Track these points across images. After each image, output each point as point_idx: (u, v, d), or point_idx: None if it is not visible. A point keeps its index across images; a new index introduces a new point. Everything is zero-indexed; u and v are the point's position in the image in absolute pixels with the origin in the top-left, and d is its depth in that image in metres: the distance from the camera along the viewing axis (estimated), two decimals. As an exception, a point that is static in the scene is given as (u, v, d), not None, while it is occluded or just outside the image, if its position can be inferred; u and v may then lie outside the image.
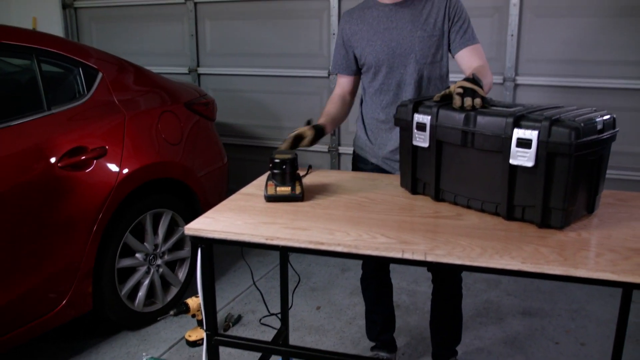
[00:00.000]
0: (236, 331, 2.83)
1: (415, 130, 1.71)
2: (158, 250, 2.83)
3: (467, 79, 1.65)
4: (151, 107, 2.84)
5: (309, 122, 2.05)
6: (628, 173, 3.45)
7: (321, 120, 2.08)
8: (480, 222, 1.54)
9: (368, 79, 2.15)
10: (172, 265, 2.98)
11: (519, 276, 1.29)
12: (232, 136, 4.41)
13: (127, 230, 2.64)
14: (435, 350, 2.42)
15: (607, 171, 1.59)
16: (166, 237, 2.87)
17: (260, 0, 4.21)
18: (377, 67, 2.08)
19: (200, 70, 4.51)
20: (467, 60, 2.01)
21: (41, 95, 2.41)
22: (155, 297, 2.85)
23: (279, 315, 2.28)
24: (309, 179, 1.96)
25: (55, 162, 2.33)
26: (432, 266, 1.35)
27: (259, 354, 2.14)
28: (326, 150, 4.30)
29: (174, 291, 2.96)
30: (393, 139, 2.13)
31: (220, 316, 2.90)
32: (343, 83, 2.22)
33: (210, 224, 1.53)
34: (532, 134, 1.42)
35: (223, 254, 3.47)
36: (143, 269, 2.77)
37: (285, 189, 1.73)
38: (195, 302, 2.61)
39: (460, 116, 1.58)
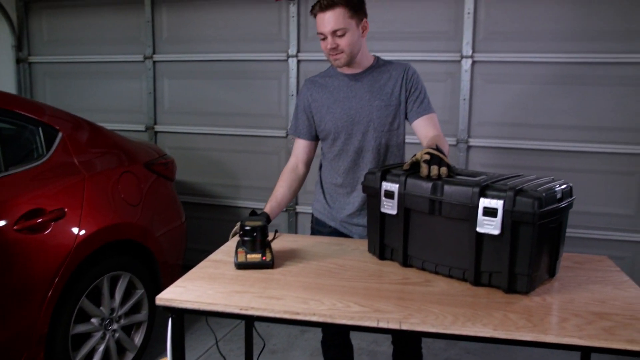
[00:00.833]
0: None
1: (384, 198, 1.75)
2: (114, 315, 2.73)
3: (431, 148, 1.72)
4: (111, 168, 2.81)
5: (253, 213, 2.06)
6: (573, 230, 3.61)
7: (267, 207, 2.13)
8: (449, 288, 1.58)
9: (327, 145, 2.21)
10: (128, 330, 2.87)
11: (490, 342, 1.32)
12: (190, 194, 4.38)
13: (84, 295, 2.55)
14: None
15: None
16: (123, 301, 2.79)
17: (220, 61, 4.28)
18: (336, 133, 2.14)
19: (158, 128, 4.50)
20: (423, 129, 2.09)
21: (-2, 155, 2.36)
22: (111, 364, 2.74)
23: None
24: (277, 244, 1.96)
25: (11, 224, 2.26)
26: (405, 334, 1.36)
27: None
28: (284, 209, 4.31)
29: (129, 357, 2.85)
30: (351, 203, 2.18)
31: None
32: (300, 150, 2.24)
33: (181, 293, 1.51)
34: (497, 203, 1.49)
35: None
36: (98, 334, 2.66)
37: (255, 256, 1.73)
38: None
39: (428, 185, 1.64)
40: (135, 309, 2.88)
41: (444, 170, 1.65)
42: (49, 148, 2.58)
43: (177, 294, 1.50)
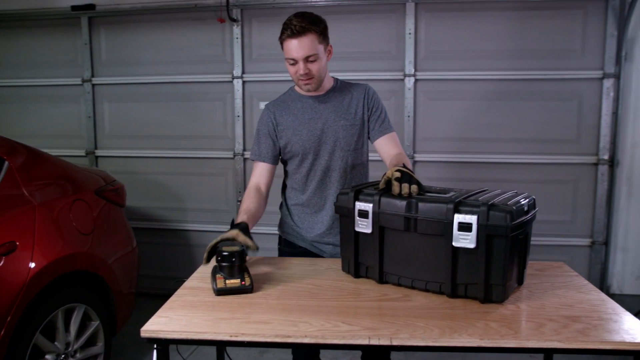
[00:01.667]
0: None
1: (358, 217, 1.80)
2: (70, 349, 2.62)
3: (399, 167, 1.79)
4: (61, 196, 2.70)
5: (232, 222, 2.04)
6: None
7: (241, 218, 2.07)
8: (428, 302, 1.64)
9: (294, 166, 2.22)
10: (84, 365, 2.76)
11: (478, 352, 1.39)
12: (136, 219, 4.26)
13: (37, 331, 2.43)
14: None
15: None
16: (78, 334, 2.67)
17: (163, 83, 4.22)
18: (304, 154, 2.16)
19: (98, 152, 4.38)
20: (385, 148, 2.16)
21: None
22: (67, 402, 2.61)
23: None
24: (250, 267, 1.95)
25: (-41, 262, 2.13)
26: (399, 350, 1.40)
27: None
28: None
29: (86, 393, 2.73)
30: (320, 222, 2.21)
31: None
32: (261, 173, 2.23)
33: (166, 324, 1.48)
34: (472, 218, 1.57)
35: (132, 344, 3.29)
36: (54, 371, 2.54)
37: (234, 282, 1.72)
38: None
39: (402, 203, 1.70)
40: (91, 341, 2.77)
41: (414, 188, 1.72)
42: (-5, 179, 2.45)
43: (163, 325, 1.48)
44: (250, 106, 4.17)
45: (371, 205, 1.76)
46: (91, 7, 4.17)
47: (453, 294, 1.65)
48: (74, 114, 4.38)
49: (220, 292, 1.70)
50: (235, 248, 1.76)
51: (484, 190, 1.77)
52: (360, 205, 1.79)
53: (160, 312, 1.56)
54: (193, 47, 4.16)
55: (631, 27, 3.59)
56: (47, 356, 2.52)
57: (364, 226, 1.79)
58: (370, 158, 2.30)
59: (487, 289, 1.60)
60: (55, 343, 2.55)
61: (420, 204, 1.67)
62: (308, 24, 2.00)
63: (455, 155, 3.92)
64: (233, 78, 4.12)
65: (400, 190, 1.72)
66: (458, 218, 1.59)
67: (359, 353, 2.53)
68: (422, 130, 3.93)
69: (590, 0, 3.67)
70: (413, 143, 3.92)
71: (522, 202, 1.64)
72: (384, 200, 1.74)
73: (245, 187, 4.16)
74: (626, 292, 3.72)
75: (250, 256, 2.12)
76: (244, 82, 4.12)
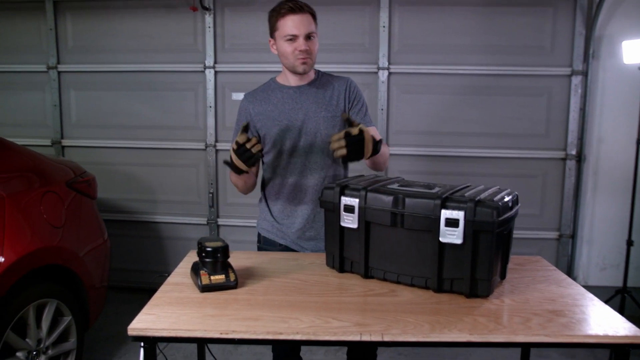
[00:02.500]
0: None
1: (343, 212, 1.79)
2: (41, 346, 2.55)
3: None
4: (32, 188, 2.61)
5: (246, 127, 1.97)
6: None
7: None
8: (415, 297, 1.65)
9: (272, 158, 2.19)
10: (56, 360, 2.69)
11: (468, 347, 1.41)
12: (104, 211, 4.15)
13: (8, 328, 2.35)
14: None
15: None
16: (50, 330, 2.60)
17: (132, 72, 4.12)
18: (283, 145, 2.14)
19: (65, 142, 4.25)
20: None
21: None
22: (38, 400, 2.54)
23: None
24: (232, 263, 1.93)
25: None
26: (390, 345, 1.41)
27: None
28: (205, 222, 4.24)
29: (59, 388, 2.67)
30: (300, 215, 2.18)
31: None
32: None
33: (154, 321, 1.45)
34: (459, 214, 1.59)
35: (111, 339, 3.23)
36: (25, 369, 2.47)
37: (219, 278, 1.70)
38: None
39: (389, 198, 1.70)
40: (63, 337, 2.70)
41: (342, 151, 1.79)
42: (-39, 170, 2.36)
43: (150, 323, 1.44)
44: (222, 97, 4.11)
45: (357, 200, 1.76)
46: (57, -9, 4.04)
47: (439, 289, 1.67)
48: (39, 102, 4.24)
49: (205, 288, 1.67)
50: (219, 243, 1.73)
51: (468, 186, 1.79)
52: (346, 200, 1.79)
53: (146, 309, 1.53)
54: (164, 35, 4.07)
55: (599, 26, 3.68)
56: (18, 353, 2.45)
57: (349, 221, 1.79)
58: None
59: (473, 284, 1.62)
60: (27, 340, 2.48)
61: (407, 200, 1.67)
62: (306, 4, 2.02)
63: (428, 149, 3.95)
64: (205, 68, 4.05)
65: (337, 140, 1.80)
66: (445, 214, 1.60)
67: (335, 348, 2.54)
68: (395, 123, 3.96)
69: (560, -1, 3.74)
70: (386, 136, 3.94)
71: (507, 198, 1.66)
72: (370, 195, 1.74)
73: (217, 179, 4.15)
74: (591, 284, 3.84)
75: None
76: (216, 72, 4.06)
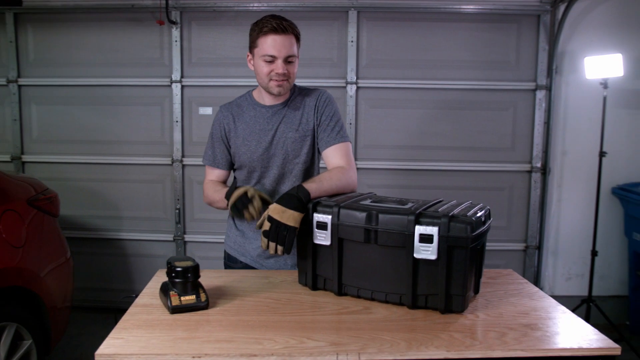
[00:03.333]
0: None
1: (316, 230, 1.77)
2: (0, 373, 2.44)
3: (283, 197, 1.76)
4: (-10, 207, 2.52)
5: (234, 183, 1.98)
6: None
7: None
8: (390, 314, 1.63)
9: (242, 177, 2.14)
10: (15, 387, 2.57)
11: (445, 365, 1.39)
12: (67, 229, 4.04)
13: (-35, 355, 2.25)
14: None
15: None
16: (9, 354, 2.49)
17: (97, 86, 4.04)
18: (251, 166, 2.09)
19: (25, 158, 4.12)
20: (330, 160, 2.05)
21: None
22: None
23: None
24: (202, 282, 1.89)
25: None
26: (366, 366, 1.38)
27: None
28: (171, 239, 4.15)
29: (18, 416, 2.55)
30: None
31: None
32: (214, 177, 2.16)
33: (123, 346, 1.39)
34: (432, 230, 1.58)
35: None
36: (-19, 397, 2.35)
37: (189, 298, 1.64)
38: None
39: (362, 215, 1.68)
40: (23, 362, 2.59)
41: (280, 249, 1.71)
42: None
43: (119, 347, 1.38)
44: (189, 111, 4.06)
45: (330, 217, 1.74)
46: (17, 2, 3.92)
47: (414, 305, 1.65)
48: (-3, 116, 4.11)
49: (175, 309, 1.62)
50: (189, 263, 1.68)
51: (441, 201, 1.79)
52: (318, 217, 1.76)
53: (114, 333, 1.47)
54: (129, 49, 4.00)
55: (561, 42, 3.77)
56: (-26, 380, 2.34)
57: (322, 238, 1.76)
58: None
59: (448, 300, 1.61)
60: (-16, 366, 2.38)
61: (381, 216, 1.66)
62: (291, 25, 1.95)
63: (396, 163, 3.97)
64: (172, 82, 4.00)
65: (268, 247, 1.73)
66: (419, 229, 1.59)
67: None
68: (364, 137, 3.97)
69: (523, 16, 3.83)
70: (355, 150, 3.94)
71: (480, 213, 1.67)
72: (343, 211, 1.72)
73: (183, 195, 4.07)
74: (557, 294, 3.90)
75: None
76: (182, 87, 4.01)
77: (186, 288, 1.66)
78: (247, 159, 2.08)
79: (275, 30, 1.91)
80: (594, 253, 3.58)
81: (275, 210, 1.73)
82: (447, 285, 1.60)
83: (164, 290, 1.68)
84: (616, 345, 1.42)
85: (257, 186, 2.10)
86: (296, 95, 2.12)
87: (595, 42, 3.74)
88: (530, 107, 3.88)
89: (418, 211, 1.63)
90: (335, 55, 3.93)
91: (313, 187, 1.84)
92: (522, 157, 3.94)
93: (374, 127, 3.96)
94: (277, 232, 1.71)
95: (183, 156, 4.05)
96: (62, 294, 2.91)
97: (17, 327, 2.53)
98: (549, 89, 3.83)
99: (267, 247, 1.73)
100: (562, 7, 3.70)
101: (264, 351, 1.37)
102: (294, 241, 1.74)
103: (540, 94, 3.84)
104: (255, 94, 2.13)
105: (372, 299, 1.73)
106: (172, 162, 4.05)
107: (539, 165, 3.91)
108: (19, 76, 4.06)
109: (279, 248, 1.72)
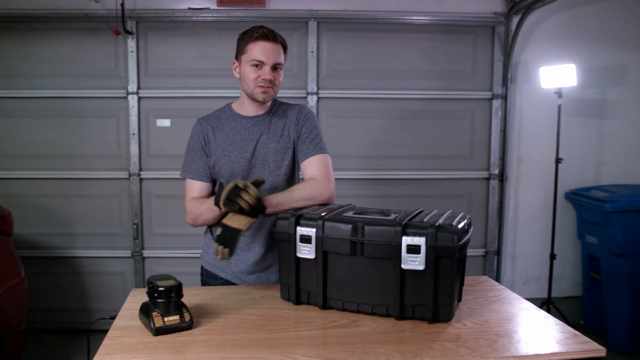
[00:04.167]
0: None
1: (300, 243, 1.74)
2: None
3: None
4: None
5: (220, 186, 1.88)
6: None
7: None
8: (378, 326, 1.62)
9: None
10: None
11: (441, 375, 1.40)
12: (21, 248, 3.83)
13: None
14: None
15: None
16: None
17: (48, 98, 3.88)
18: (232, 177, 2.05)
19: (-29, 174, 3.91)
20: (306, 171, 2.06)
21: None
22: None
23: None
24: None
25: None
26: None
27: None
28: (129, 255, 4.02)
29: None
30: (244, 249, 2.10)
31: None
32: (197, 191, 2.09)
33: (109, 373, 1.33)
34: (420, 240, 1.58)
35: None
36: None
37: (173, 319, 1.59)
38: None
39: (348, 227, 1.68)
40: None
41: (225, 252, 1.73)
42: None
43: (105, 375, 1.32)
44: (146, 123, 3.95)
45: (314, 230, 1.72)
46: (-40, 11, 3.74)
47: (401, 316, 1.66)
48: (-59, 131, 3.88)
49: (159, 331, 1.56)
50: (172, 282, 1.63)
51: (422, 211, 1.81)
52: (302, 231, 1.74)
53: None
54: (83, 59, 3.87)
55: (515, 53, 3.90)
56: None
57: (306, 252, 1.74)
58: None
59: (435, 309, 1.62)
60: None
61: (367, 227, 1.65)
62: (279, 35, 1.99)
63: (357, 173, 4.00)
64: (128, 94, 3.89)
65: (217, 252, 1.75)
66: (406, 240, 1.60)
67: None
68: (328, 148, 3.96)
69: (479, 27, 3.94)
70: (318, 160, 3.93)
71: (463, 223, 1.69)
72: (328, 224, 1.71)
73: (141, 209, 3.96)
74: (517, 297, 4.00)
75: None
76: (139, 98, 3.91)
77: (169, 308, 1.60)
78: (227, 170, 2.04)
79: (266, 37, 1.95)
80: (552, 256, 3.70)
81: (227, 216, 1.78)
82: (435, 295, 1.61)
83: (145, 311, 1.62)
84: (601, 347, 1.47)
85: None
86: (277, 107, 2.11)
87: (547, 53, 3.89)
88: (487, 116, 3.99)
89: (404, 222, 1.63)
90: (296, 65, 3.93)
91: (280, 197, 1.89)
92: (480, 165, 4.04)
93: (335, 137, 3.96)
94: (224, 235, 1.74)
95: (140, 170, 3.93)
96: (17, 316, 2.78)
97: (-27, 356, 2.39)
98: (504, 98, 3.95)
99: (217, 252, 1.75)
100: (515, 19, 3.83)
101: (260, 371, 1.34)
102: (236, 244, 1.75)
103: (497, 103, 3.96)
104: (234, 106, 2.11)
105: (358, 312, 1.72)
106: (129, 176, 3.93)
107: (496, 172, 4.02)
108: (-37, 88, 3.85)
109: (225, 251, 1.73)
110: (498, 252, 4.09)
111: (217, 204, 1.81)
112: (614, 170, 4.09)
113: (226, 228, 1.76)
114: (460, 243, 1.58)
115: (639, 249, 3.55)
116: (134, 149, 3.93)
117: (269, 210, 1.85)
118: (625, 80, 4.05)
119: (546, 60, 3.79)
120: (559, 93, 3.56)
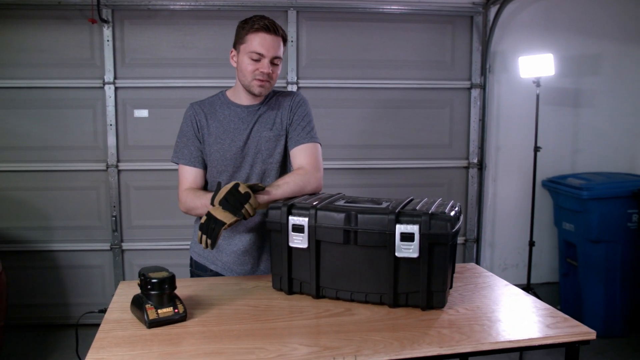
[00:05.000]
0: None
1: (292, 232, 1.74)
2: None
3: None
4: None
5: (218, 185, 1.85)
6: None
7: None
8: (372, 314, 1.63)
9: (212, 177, 2.07)
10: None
11: (438, 361, 1.41)
12: (-6, 243, 3.77)
13: None
14: None
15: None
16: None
17: (21, 88, 3.78)
18: (224, 165, 2.03)
19: (-57, 168, 3.79)
20: (295, 160, 2.05)
21: None
22: None
23: None
24: (172, 292, 1.81)
25: None
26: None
27: None
28: (108, 248, 3.96)
29: None
30: (236, 238, 2.09)
31: None
32: (195, 179, 2.05)
33: (106, 367, 1.31)
34: (413, 228, 1.60)
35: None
36: None
37: (167, 311, 1.57)
38: None
39: (341, 215, 1.68)
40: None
41: (209, 242, 1.74)
42: None
43: (102, 369, 1.30)
44: (123, 114, 3.88)
45: (307, 219, 1.72)
46: None
47: (395, 304, 1.67)
48: None
49: (153, 323, 1.54)
50: (164, 274, 1.61)
51: (412, 199, 1.82)
52: (294, 220, 1.74)
53: (92, 354, 1.37)
54: (56, 49, 3.77)
55: (493, 42, 3.94)
56: None
57: (299, 241, 1.73)
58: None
59: (429, 296, 1.64)
60: None
61: (360, 216, 1.66)
62: (280, 27, 1.94)
63: (338, 162, 3.99)
64: (104, 84, 3.81)
65: (200, 240, 1.75)
66: (400, 228, 1.61)
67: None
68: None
69: (457, 17, 3.96)
70: (299, 151, 3.92)
71: (454, 210, 1.70)
72: (320, 213, 1.71)
73: (120, 201, 3.89)
74: (496, 284, 4.08)
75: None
76: (116, 88, 3.83)
77: (162, 300, 1.59)
78: (219, 158, 2.02)
79: (267, 29, 1.90)
80: (531, 243, 3.77)
81: (214, 207, 1.77)
82: (429, 282, 1.63)
83: (138, 303, 1.60)
84: (591, 330, 1.50)
85: None
86: (272, 96, 2.09)
87: (525, 43, 3.94)
88: (466, 105, 4.03)
89: (397, 210, 1.64)
90: (276, 55, 3.89)
91: (271, 194, 1.87)
92: (459, 154, 4.08)
93: (315, 127, 3.94)
94: (207, 225, 1.73)
95: (118, 161, 3.87)
96: (-3, 313, 2.71)
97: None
98: (483, 87, 3.99)
99: (200, 240, 1.75)
100: (493, 9, 3.87)
101: (259, 361, 1.34)
102: (218, 235, 1.74)
103: (475, 92, 4.00)
104: (229, 93, 2.08)
105: (352, 300, 1.73)
106: (107, 168, 3.86)
107: (475, 161, 4.07)
108: None
109: (208, 241, 1.73)
110: (477, 240, 4.15)
111: (213, 203, 1.79)
112: (589, 158, 4.18)
113: (211, 218, 1.74)
114: (453, 230, 1.60)
115: (614, 235, 3.64)
116: (111, 140, 3.86)
117: (258, 209, 1.83)
118: (599, 69, 4.13)
119: (523, 50, 3.84)
120: (537, 82, 3.61)
